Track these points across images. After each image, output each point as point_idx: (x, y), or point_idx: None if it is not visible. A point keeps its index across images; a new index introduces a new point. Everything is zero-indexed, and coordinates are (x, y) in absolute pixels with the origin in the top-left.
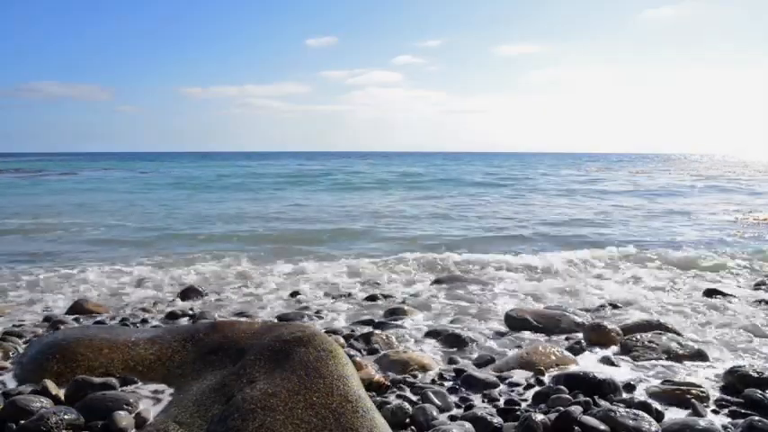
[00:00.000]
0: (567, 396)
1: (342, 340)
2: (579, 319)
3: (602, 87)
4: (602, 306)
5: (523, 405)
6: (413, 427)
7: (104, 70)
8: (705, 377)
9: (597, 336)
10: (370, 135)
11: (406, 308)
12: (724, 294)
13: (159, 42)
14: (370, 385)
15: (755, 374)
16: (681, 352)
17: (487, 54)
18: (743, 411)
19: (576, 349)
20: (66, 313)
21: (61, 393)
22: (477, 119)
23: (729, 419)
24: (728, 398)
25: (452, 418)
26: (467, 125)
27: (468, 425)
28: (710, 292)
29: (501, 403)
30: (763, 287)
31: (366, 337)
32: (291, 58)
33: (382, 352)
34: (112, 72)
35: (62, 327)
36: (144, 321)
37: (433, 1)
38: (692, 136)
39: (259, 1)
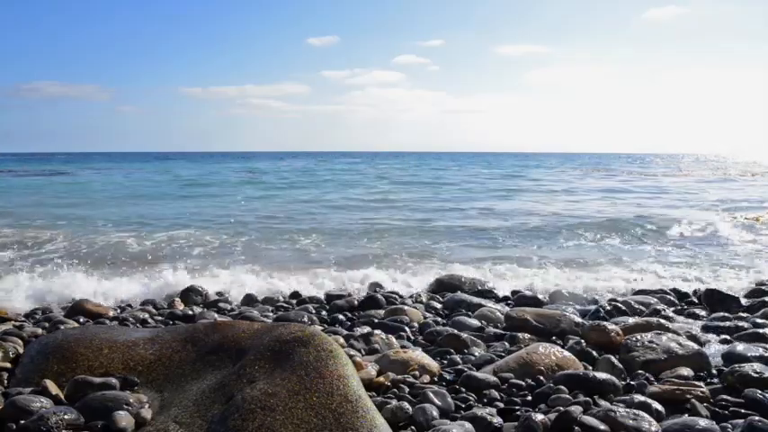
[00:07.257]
0: (567, 396)
1: (342, 340)
2: (579, 320)
3: (604, 87)
4: (602, 306)
5: (523, 405)
6: (413, 427)
7: (104, 70)
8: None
9: (597, 336)
10: (370, 135)
11: (406, 308)
12: None
13: (159, 42)
14: (370, 385)
15: (755, 374)
16: (681, 352)
17: (487, 54)
18: (743, 411)
19: (576, 350)
20: (66, 314)
21: (61, 393)
22: (477, 119)
23: (729, 419)
24: (728, 398)
25: (452, 419)
26: (467, 125)
27: (468, 425)
28: None
29: (501, 403)
30: (764, 286)
31: (366, 337)
32: (291, 58)
33: (382, 352)
34: (112, 72)
35: (62, 327)
36: (144, 321)
37: (433, 1)
38: (695, 136)
39: (259, 1)
